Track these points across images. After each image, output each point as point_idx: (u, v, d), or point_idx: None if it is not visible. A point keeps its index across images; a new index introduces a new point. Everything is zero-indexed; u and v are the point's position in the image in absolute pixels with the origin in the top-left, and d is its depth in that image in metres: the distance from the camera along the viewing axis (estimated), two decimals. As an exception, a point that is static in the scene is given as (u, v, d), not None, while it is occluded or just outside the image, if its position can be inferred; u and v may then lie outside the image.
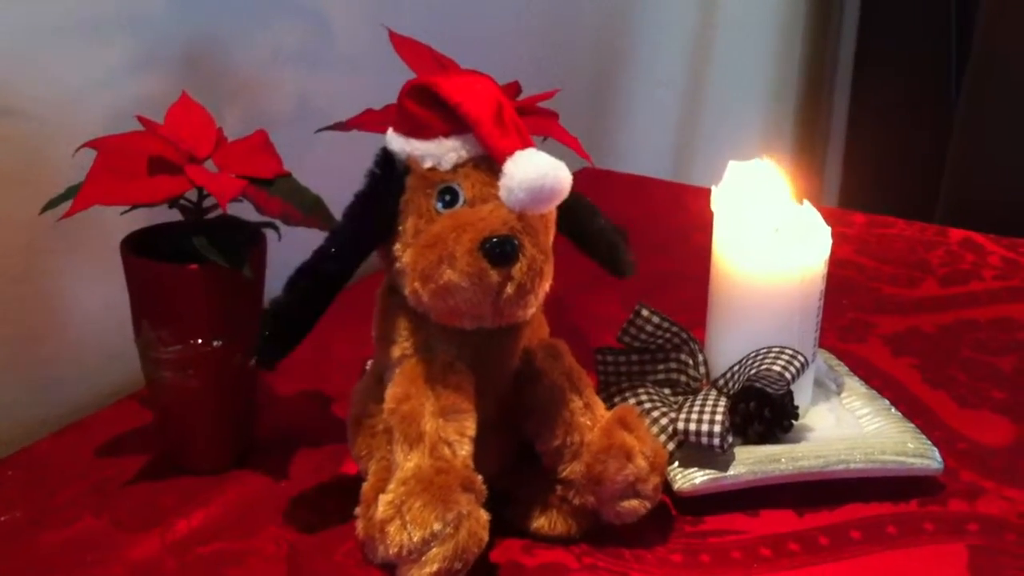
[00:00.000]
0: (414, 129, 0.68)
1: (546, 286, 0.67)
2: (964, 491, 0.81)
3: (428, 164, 0.68)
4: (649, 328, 0.86)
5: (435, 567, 0.64)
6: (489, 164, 0.67)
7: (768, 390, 0.79)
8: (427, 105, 0.67)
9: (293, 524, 0.76)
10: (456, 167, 0.67)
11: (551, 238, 0.69)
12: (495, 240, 0.64)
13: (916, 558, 0.75)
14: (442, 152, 0.67)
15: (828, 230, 0.83)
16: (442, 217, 0.67)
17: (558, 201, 0.66)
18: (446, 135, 0.67)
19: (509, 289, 0.65)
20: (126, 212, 0.78)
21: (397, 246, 0.69)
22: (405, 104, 0.68)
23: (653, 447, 0.73)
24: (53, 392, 0.91)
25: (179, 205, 0.78)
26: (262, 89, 1.04)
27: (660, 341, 0.86)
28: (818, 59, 2.30)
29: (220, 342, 0.78)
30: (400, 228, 0.69)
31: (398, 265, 0.69)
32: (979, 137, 1.99)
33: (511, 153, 0.65)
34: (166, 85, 0.91)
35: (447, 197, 0.67)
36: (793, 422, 0.81)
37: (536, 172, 0.64)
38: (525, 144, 0.66)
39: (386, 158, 0.70)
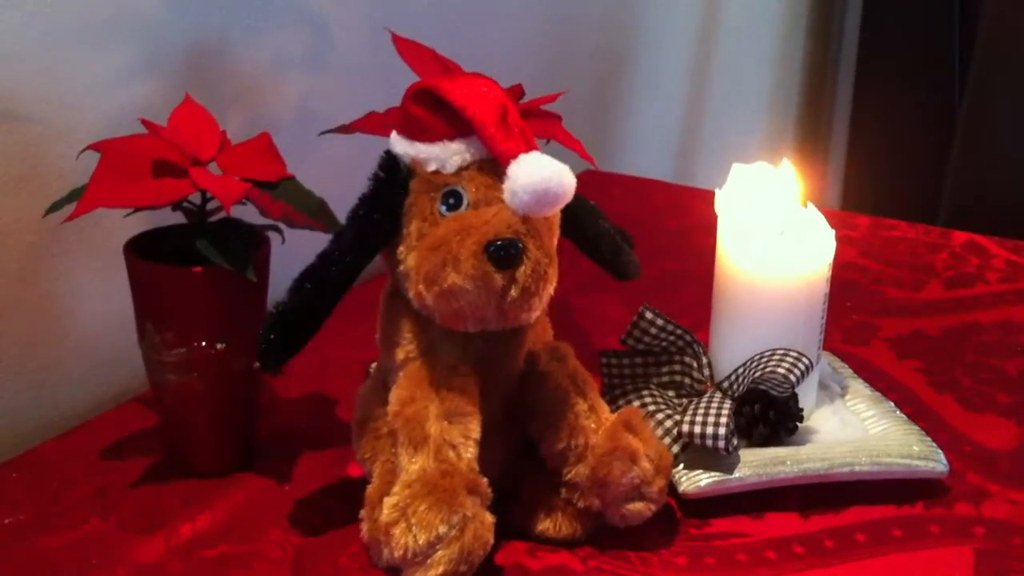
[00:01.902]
0: (418, 132, 0.68)
1: (550, 289, 0.67)
2: (970, 494, 0.81)
3: (432, 167, 0.68)
4: (653, 331, 0.86)
5: (440, 570, 0.64)
6: (493, 167, 0.66)
7: (773, 392, 0.79)
8: (431, 108, 0.67)
9: (298, 527, 0.76)
10: (460, 170, 0.67)
11: (555, 241, 0.69)
12: (499, 243, 0.64)
13: (921, 561, 0.74)
14: (446, 155, 0.67)
15: (832, 232, 0.83)
16: (446, 220, 0.67)
17: (562, 204, 0.66)
18: (450, 138, 0.67)
19: (513, 292, 0.65)
20: (129, 215, 0.78)
21: (401, 249, 0.69)
22: (409, 107, 0.68)
23: (658, 450, 0.73)
24: (57, 394, 0.91)
25: (183, 208, 0.78)
26: (265, 92, 1.04)
27: (664, 344, 0.86)
28: (820, 61, 2.30)
29: (224, 345, 0.78)
30: (404, 231, 0.69)
31: (402, 268, 0.69)
32: (982, 139, 1.99)
33: (515, 156, 0.65)
34: (169, 88, 0.91)
35: (451, 200, 0.67)
36: (798, 424, 0.81)
37: (540, 175, 0.64)
38: (529, 147, 0.66)
39: (390, 161, 0.70)
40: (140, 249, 0.78)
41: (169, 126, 0.77)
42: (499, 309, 0.66)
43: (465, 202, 0.67)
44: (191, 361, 0.78)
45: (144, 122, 0.77)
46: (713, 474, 0.78)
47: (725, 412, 0.77)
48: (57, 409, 0.90)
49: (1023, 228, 1.39)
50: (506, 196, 0.65)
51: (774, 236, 0.82)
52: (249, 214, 0.78)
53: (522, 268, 0.65)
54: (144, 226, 0.81)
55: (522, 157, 0.65)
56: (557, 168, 0.65)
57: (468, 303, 0.65)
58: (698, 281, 0.92)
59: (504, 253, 0.64)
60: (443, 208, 0.67)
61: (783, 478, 0.78)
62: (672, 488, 0.77)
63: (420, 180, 0.68)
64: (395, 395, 0.70)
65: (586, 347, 0.83)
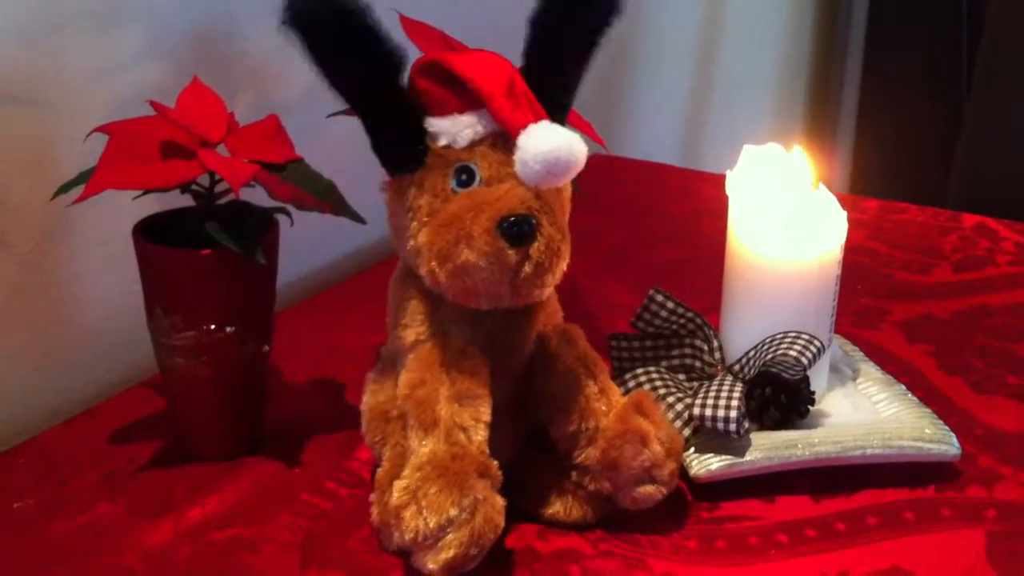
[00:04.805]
0: (428, 106, 0.68)
1: (563, 265, 0.67)
2: (981, 477, 0.81)
3: (443, 142, 0.67)
4: (663, 313, 0.85)
5: (451, 553, 0.64)
6: (505, 143, 0.66)
7: (784, 375, 0.79)
8: (439, 81, 0.67)
9: (307, 511, 0.76)
10: (472, 145, 0.67)
11: (567, 217, 0.69)
12: (512, 219, 0.64)
13: (933, 544, 0.74)
14: (457, 129, 0.67)
15: (844, 215, 0.83)
16: (458, 196, 0.66)
17: (573, 174, 0.65)
18: (460, 111, 0.67)
19: (527, 268, 0.65)
20: (138, 197, 0.78)
21: (412, 224, 0.68)
22: (417, 81, 0.68)
23: (669, 432, 0.73)
24: (65, 379, 0.90)
25: (191, 190, 0.77)
26: (273, 74, 1.04)
27: (675, 326, 0.86)
28: (828, 44, 2.29)
29: (233, 328, 0.77)
30: (415, 204, 0.68)
31: (413, 244, 0.68)
32: (991, 122, 1.98)
33: (524, 126, 0.65)
34: (177, 71, 0.91)
35: (463, 176, 0.67)
36: (809, 407, 0.81)
37: (551, 144, 0.64)
38: (538, 117, 0.66)
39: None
40: (149, 232, 0.78)
41: (177, 108, 0.77)
42: (512, 286, 0.66)
43: (478, 179, 0.67)
44: (200, 345, 0.77)
45: (152, 104, 0.76)
46: (724, 457, 0.77)
47: (736, 395, 0.77)
48: (64, 394, 0.90)
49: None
50: (517, 167, 0.65)
51: (785, 218, 0.82)
52: (258, 196, 0.77)
53: (535, 244, 0.64)
54: (153, 209, 0.80)
55: (532, 127, 0.64)
56: (567, 137, 0.64)
57: (482, 280, 0.65)
58: (708, 265, 0.92)
59: (517, 229, 0.64)
60: (455, 184, 0.67)
61: (795, 461, 0.78)
62: (683, 471, 0.77)
63: (432, 155, 0.68)
64: (405, 378, 0.69)
65: (596, 331, 0.83)
